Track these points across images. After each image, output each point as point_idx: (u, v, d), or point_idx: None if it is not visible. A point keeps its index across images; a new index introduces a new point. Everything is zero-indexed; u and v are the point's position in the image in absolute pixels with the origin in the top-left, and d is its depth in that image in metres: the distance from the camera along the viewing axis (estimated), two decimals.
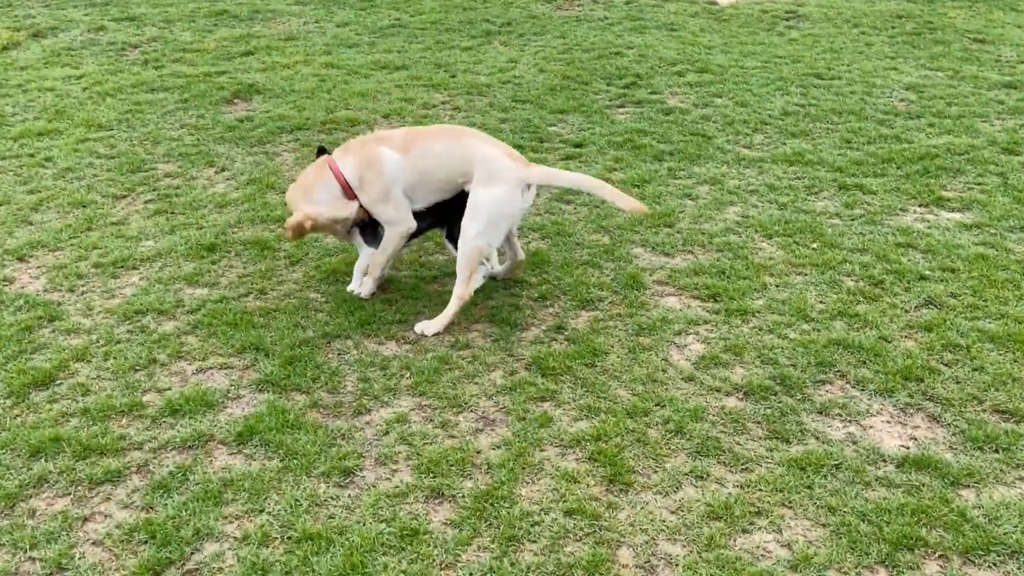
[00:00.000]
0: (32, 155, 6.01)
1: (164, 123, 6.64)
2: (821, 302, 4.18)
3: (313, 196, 4.10)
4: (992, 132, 6.18)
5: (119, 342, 3.94)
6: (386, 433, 3.37)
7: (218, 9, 9.92)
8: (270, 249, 4.72)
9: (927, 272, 4.40)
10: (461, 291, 3.96)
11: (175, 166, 5.87)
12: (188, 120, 6.70)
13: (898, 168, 5.60)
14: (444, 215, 4.17)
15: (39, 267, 4.60)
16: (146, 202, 5.36)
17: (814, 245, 4.67)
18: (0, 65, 7.94)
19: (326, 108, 6.92)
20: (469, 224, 3.88)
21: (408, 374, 3.71)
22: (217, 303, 4.23)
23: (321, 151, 4.28)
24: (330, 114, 6.80)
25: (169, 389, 3.62)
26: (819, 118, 6.50)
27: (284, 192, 4.58)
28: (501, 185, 3.86)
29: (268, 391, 3.61)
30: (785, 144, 6.06)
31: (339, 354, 3.86)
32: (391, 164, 4.01)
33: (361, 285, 4.23)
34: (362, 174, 4.04)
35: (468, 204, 3.91)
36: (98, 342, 3.94)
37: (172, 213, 5.20)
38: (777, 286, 4.31)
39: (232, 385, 3.65)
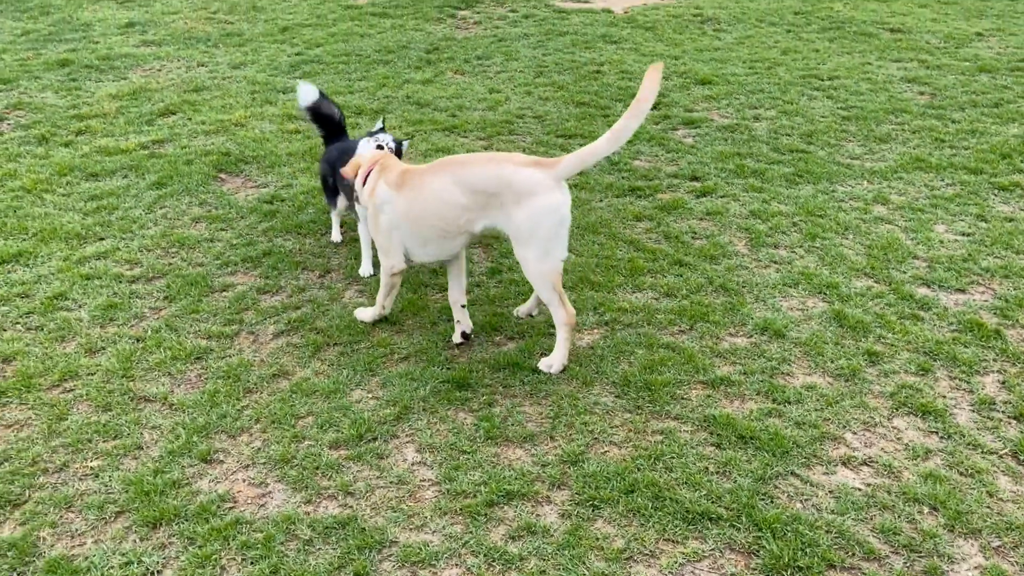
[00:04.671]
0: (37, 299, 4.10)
1: (162, 216, 4.90)
2: None
3: None
4: None
5: None
6: None
7: (56, 60, 7.73)
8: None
9: None
10: (561, 317, 3.48)
11: (262, 279, 4.30)
12: (192, 209, 5.01)
13: None
14: None
15: None
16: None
17: None
18: None
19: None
20: (525, 251, 3.43)
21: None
22: None
23: None
24: None
25: None
26: (880, 119, 6.39)
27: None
28: (537, 196, 3.36)
29: None
30: (886, 149, 5.85)
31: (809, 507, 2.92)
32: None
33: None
34: None
35: (512, 232, 3.45)
36: None
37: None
38: None
39: None
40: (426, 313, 4.00)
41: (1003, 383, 3.49)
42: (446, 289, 4.19)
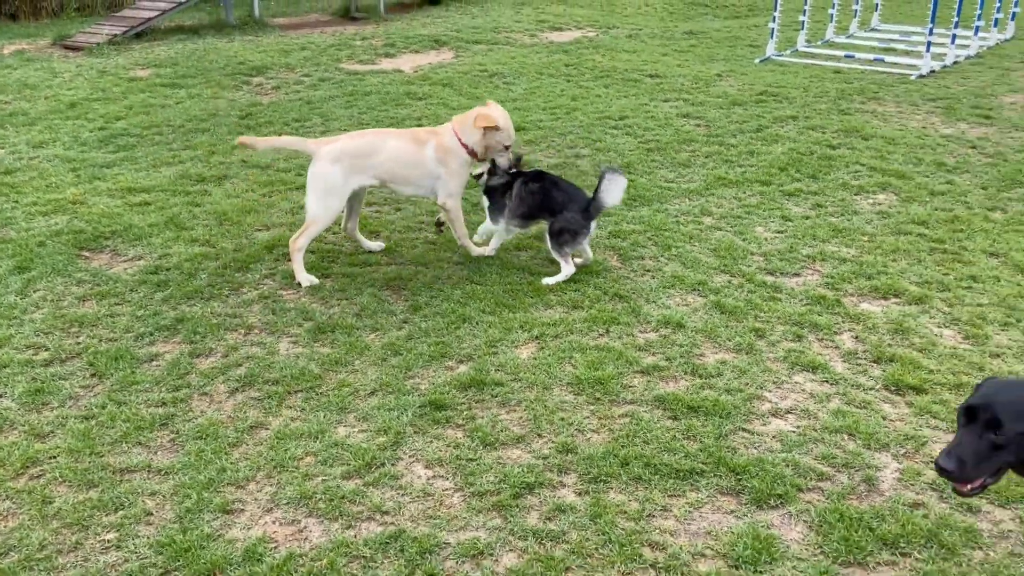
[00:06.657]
0: None
1: (41, 300, 4.67)
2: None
3: None
4: (796, 132, 7.82)
5: None
6: None
7: None
8: None
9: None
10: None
11: (188, 344, 4.28)
12: (71, 289, 4.81)
13: (797, 170, 6.83)
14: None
15: None
16: None
17: (864, 239, 5.59)
18: None
19: (245, 234, 5.59)
20: None
21: None
22: None
23: None
24: (249, 242, 5.51)
25: None
26: (676, 149, 7.43)
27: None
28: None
29: None
30: (691, 172, 6.86)
31: None
32: None
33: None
34: None
35: None
36: None
37: None
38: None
39: None
40: (370, 352, 4.22)
41: (856, 337, 4.39)
42: (379, 329, 4.44)
